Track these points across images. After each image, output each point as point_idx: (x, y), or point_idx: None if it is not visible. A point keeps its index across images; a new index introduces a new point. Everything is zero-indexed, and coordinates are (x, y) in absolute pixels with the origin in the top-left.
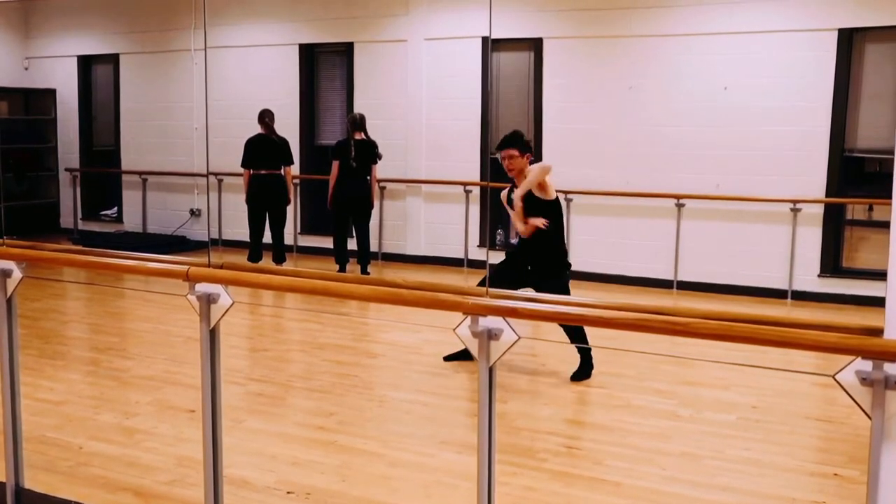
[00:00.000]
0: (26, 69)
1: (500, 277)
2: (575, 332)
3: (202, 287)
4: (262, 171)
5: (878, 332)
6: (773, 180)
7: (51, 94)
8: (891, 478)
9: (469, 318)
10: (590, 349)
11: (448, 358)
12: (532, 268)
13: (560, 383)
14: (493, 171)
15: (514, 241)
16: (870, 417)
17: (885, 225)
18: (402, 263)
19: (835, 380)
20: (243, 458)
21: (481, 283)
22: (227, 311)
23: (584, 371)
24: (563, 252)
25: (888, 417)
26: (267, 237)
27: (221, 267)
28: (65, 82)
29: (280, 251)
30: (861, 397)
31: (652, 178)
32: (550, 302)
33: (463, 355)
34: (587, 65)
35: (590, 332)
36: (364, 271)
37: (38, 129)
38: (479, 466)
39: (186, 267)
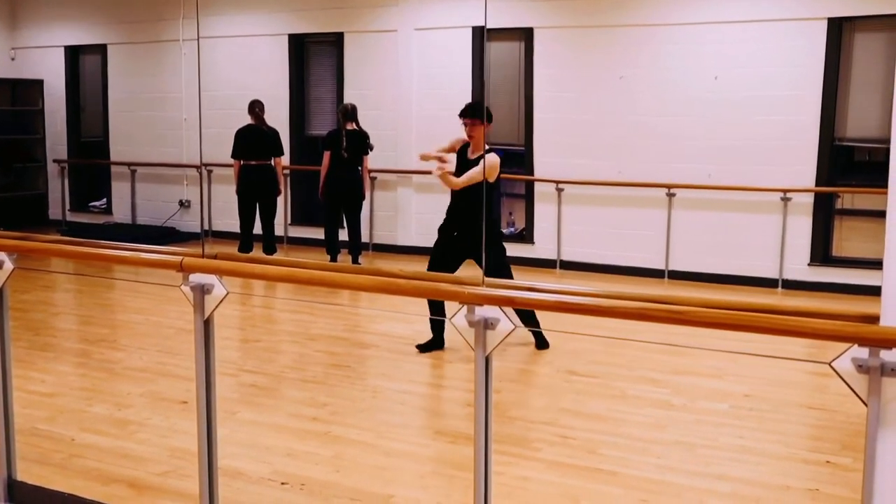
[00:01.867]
0: (13, 59)
1: (440, 260)
2: (527, 315)
3: (196, 277)
4: (252, 162)
5: (874, 319)
6: (763, 169)
7: (38, 84)
8: (887, 464)
9: (465, 308)
10: (541, 332)
11: (421, 347)
12: (466, 237)
13: (554, 373)
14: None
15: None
16: (866, 404)
17: (875, 214)
18: (393, 254)
19: (831, 367)
20: (237, 449)
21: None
22: (222, 301)
23: (542, 343)
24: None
25: (884, 404)
26: (257, 228)
27: (215, 257)
28: (52, 73)
29: (270, 242)
30: (857, 384)
31: (643, 168)
32: (547, 291)
33: (434, 345)
34: (578, 54)
35: (584, 322)
36: (355, 262)
37: (25, 119)
38: (475, 455)
39: (180, 257)
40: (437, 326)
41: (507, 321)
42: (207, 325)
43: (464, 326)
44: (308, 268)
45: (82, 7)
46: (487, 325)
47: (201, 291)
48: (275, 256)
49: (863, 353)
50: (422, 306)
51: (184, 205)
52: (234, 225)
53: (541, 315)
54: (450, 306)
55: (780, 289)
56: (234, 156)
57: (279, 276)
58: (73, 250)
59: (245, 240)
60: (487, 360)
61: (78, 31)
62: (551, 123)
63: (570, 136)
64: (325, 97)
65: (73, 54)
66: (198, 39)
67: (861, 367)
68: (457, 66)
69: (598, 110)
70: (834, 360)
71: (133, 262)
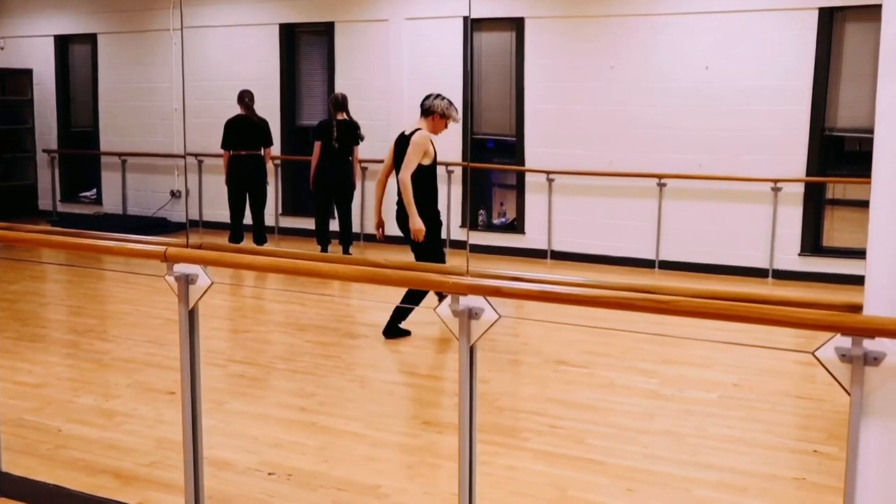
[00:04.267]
0: (2, 49)
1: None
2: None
3: (180, 268)
4: (242, 153)
5: (857, 308)
6: (754, 160)
7: (27, 74)
8: (869, 453)
9: (450, 297)
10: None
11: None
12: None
13: (543, 363)
14: (474, 152)
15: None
16: (849, 394)
17: (865, 204)
18: (384, 244)
19: (814, 356)
20: (224, 439)
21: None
22: (206, 291)
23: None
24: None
25: (867, 393)
26: (248, 219)
27: (200, 247)
28: (42, 62)
29: (260, 233)
30: (840, 374)
31: (634, 158)
32: (532, 281)
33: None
34: (569, 45)
35: (573, 311)
36: (346, 252)
37: (14, 109)
38: (460, 445)
39: (164, 247)
40: (403, 313)
41: (491, 311)
42: (192, 314)
43: (448, 316)
44: (294, 258)
45: None
46: (472, 314)
47: (185, 281)
48: (264, 247)
49: (846, 342)
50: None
51: (175, 195)
52: (226, 215)
53: (532, 305)
54: (432, 296)
55: (770, 279)
56: (223, 146)
57: (264, 266)
58: (57, 240)
59: (235, 230)
60: (472, 350)
61: (67, 20)
62: (542, 114)
63: (560, 127)
64: (316, 87)
65: (63, 44)
66: (181, 29)
67: (844, 357)
68: (448, 56)
69: (588, 100)
70: (817, 349)
71: (117, 252)
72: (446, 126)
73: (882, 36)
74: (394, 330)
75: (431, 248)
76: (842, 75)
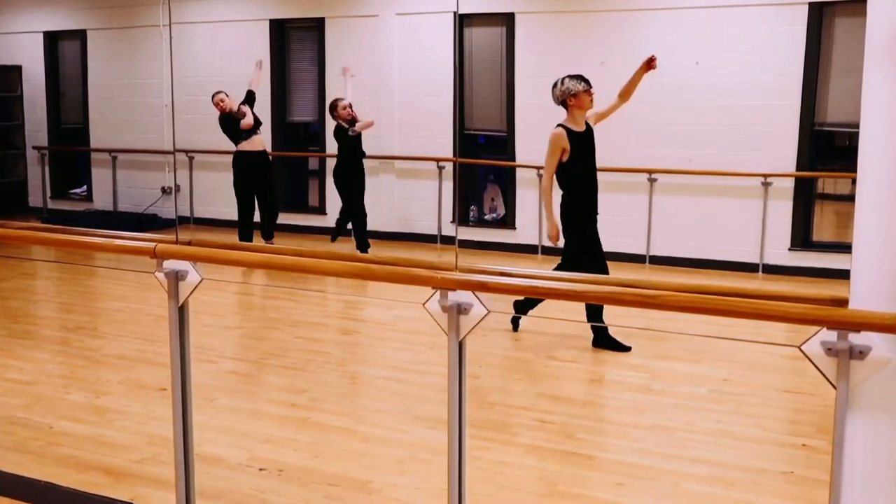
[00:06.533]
0: None
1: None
2: (593, 310)
3: (170, 264)
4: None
5: (843, 302)
6: (744, 155)
7: (16, 70)
8: (855, 446)
9: (438, 293)
10: (605, 328)
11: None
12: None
13: (534, 358)
14: (465, 148)
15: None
16: (835, 387)
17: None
18: (375, 240)
19: (801, 350)
20: (216, 435)
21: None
22: (196, 287)
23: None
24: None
25: (852, 387)
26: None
27: (189, 244)
28: (31, 59)
29: (267, 228)
30: (826, 367)
31: (624, 153)
32: (521, 276)
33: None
34: (559, 40)
35: (564, 306)
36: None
37: (3, 106)
38: (449, 441)
39: (153, 244)
40: (595, 313)
41: (480, 306)
42: (182, 311)
43: (437, 311)
44: (283, 254)
45: None
46: (461, 310)
47: (175, 278)
48: (253, 243)
49: (831, 336)
50: (403, 292)
51: (166, 191)
52: (218, 212)
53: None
54: (423, 291)
55: (760, 273)
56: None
57: (252, 262)
58: (46, 237)
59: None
60: (461, 346)
61: (56, 16)
62: (533, 109)
63: (551, 122)
64: (307, 83)
65: (52, 40)
66: (170, 25)
67: (830, 351)
68: (438, 52)
69: None
70: (803, 343)
71: (106, 248)
72: (589, 95)
73: (867, 31)
74: (608, 342)
75: (577, 257)
76: (832, 70)
